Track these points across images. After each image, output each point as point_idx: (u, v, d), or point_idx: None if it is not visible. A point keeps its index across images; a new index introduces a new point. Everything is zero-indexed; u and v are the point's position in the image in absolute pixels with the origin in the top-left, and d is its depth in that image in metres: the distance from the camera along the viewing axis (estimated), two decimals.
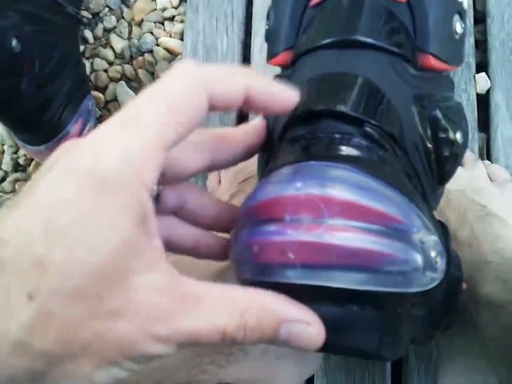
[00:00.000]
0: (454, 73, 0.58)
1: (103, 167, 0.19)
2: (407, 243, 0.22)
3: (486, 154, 0.58)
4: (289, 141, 0.25)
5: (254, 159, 0.51)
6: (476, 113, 0.57)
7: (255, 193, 0.24)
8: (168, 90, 0.20)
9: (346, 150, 0.23)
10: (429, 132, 0.26)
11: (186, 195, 0.26)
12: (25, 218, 0.18)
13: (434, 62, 0.26)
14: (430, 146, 0.26)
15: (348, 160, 0.23)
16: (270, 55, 0.30)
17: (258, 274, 0.23)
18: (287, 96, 0.23)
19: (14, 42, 0.49)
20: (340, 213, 0.21)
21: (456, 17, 0.27)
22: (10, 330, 0.18)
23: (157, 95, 0.20)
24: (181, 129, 0.20)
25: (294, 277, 0.21)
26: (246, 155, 0.26)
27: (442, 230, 0.26)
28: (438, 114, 0.26)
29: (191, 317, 0.19)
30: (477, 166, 0.52)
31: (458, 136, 0.26)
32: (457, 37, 0.28)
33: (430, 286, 0.22)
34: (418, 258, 0.22)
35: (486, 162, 0.55)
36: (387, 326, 0.23)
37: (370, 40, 0.25)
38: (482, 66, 0.60)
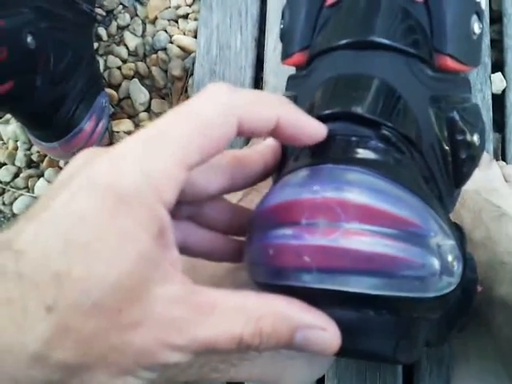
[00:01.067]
0: (469, 73, 0.57)
1: (122, 182, 0.19)
2: (424, 247, 0.21)
3: (501, 154, 0.57)
4: None
5: None
6: (491, 113, 0.57)
7: (271, 195, 0.24)
8: (197, 111, 0.20)
9: (362, 153, 0.23)
10: (446, 134, 0.26)
11: (202, 200, 0.26)
12: (44, 231, 0.18)
13: (451, 64, 0.26)
14: (446, 148, 0.26)
15: (365, 163, 0.22)
16: (285, 55, 0.30)
17: (274, 277, 0.22)
18: (316, 130, 0.23)
19: (30, 39, 0.50)
20: (357, 217, 0.21)
21: (474, 17, 0.27)
22: (27, 343, 0.18)
23: (186, 115, 0.20)
24: (205, 152, 0.20)
25: (310, 281, 0.21)
26: (264, 176, 0.26)
27: (458, 232, 0.26)
28: (456, 115, 0.26)
29: (207, 326, 0.20)
30: (492, 166, 0.51)
31: (476, 138, 0.26)
32: (474, 37, 0.27)
33: (447, 291, 0.22)
34: (435, 263, 0.21)
35: (501, 162, 0.55)
36: (403, 330, 0.23)
37: (386, 41, 0.25)
38: (498, 65, 0.59)
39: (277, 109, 0.22)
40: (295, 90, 0.28)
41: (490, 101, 0.57)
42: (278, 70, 0.61)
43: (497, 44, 0.60)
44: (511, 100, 0.57)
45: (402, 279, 0.21)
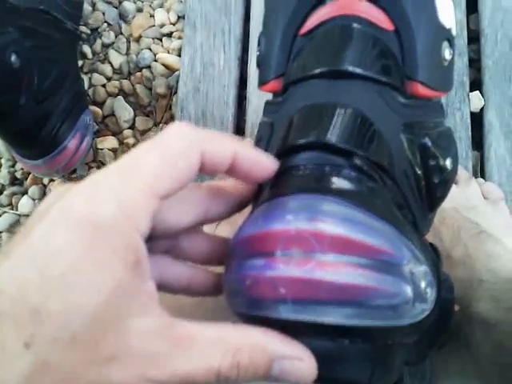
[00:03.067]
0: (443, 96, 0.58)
1: (98, 212, 0.19)
2: (397, 276, 0.22)
3: (480, 171, 0.59)
4: (280, 171, 0.25)
5: None
6: (470, 131, 0.58)
7: (246, 225, 0.24)
8: (165, 144, 0.21)
9: (335, 183, 0.23)
10: (418, 160, 0.26)
11: (177, 233, 0.26)
12: (19, 267, 0.19)
13: (422, 90, 0.27)
14: (419, 173, 0.26)
15: (338, 193, 0.23)
16: (261, 82, 0.30)
17: (251, 307, 0.23)
18: (270, 163, 0.24)
19: (14, 58, 0.50)
20: (331, 247, 0.21)
21: (445, 43, 0.28)
22: (7, 380, 0.18)
23: (155, 148, 0.21)
24: (174, 181, 0.21)
25: (286, 312, 0.21)
26: (239, 207, 0.27)
27: (433, 254, 0.26)
28: (428, 141, 0.26)
29: (186, 359, 0.20)
30: (470, 184, 0.52)
31: (448, 162, 0.27)
32: (445, 63, 0.28)
33: (421, 317, 0.22)
34: (408, 290, 0.22)
35: (480, 180, 0.56)
36: (379, 357, 0.23)
37: (358, 70, 0.25)
38: (476, 84, 0.61)
39: (234, 144, 0.23)
40: (271, 117, 0.28)
41: (469, 119, 0.58)
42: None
43: (475, 63, 0.62)
44: (489, 118, 0.58)
45: (375, 309, 0.21)
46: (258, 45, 0.31)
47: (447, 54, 0.28)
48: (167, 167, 0.21)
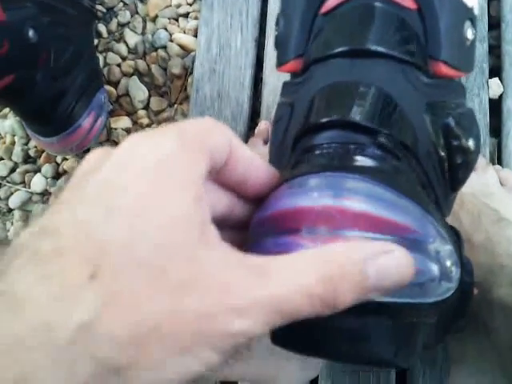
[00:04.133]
0: (467, 77, 0.58)
1: (160, 149, 0.19)
2: (423, 253, 0.22)
3: (497, 158, 0.58)
4: (302, 150, 0.25)
5: (265, 158, 0.51)
6: (488, 118, 0.57)
7: (270, 202, 0.24)
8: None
9: (360, 161, 0.23)
10: (441, 140, 0.26)
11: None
12: (83, 208, 0.18)
13: (445, 70, 0.26)
14: (442, 153, 0.26)
15: (363, 171, 0.22)
16: (280, 62, 0.30)
17: None
18: (270, 168, 0.24)
19: (31, 33, 0.50)
20: (356, 224, 0.21)
21: (467, 23, 0.27)
22: (69, 315, 0.16)
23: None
24: (218, 144, 0.21)
25: None
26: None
27: (455, 236, 0.26)
28: (451, 121, 0.26)
29: (268, 285, 0.18)
30: (488, 170, 0.52)
31: (471, 143, 0.26)
32: (468, 43, 0.28)
33: (446, 296, 0.22)
34: (434, 268, 0.22)
35: (497, 166, 0.55)
36: (403, 335, 0.23)
37: (381, 49, 0.25)
38: (495, 71, 0.60)
39: (230, 136, 0.22)
40: (291, 98, 0.28)
41: (487, 106, 0.58)
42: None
43: (495, 50, 0.61)
44: (508, 105, 0.58)
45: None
46: (276, 25, 0.30)
47: (470, 33, 0.27)
48: (210, 129, 0.21)
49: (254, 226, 0.25)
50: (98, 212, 0.18)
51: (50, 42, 0.53)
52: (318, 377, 0.52)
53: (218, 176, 0.23)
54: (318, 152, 0.24)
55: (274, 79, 0.61)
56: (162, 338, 0.17)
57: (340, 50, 0.25)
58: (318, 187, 0.22)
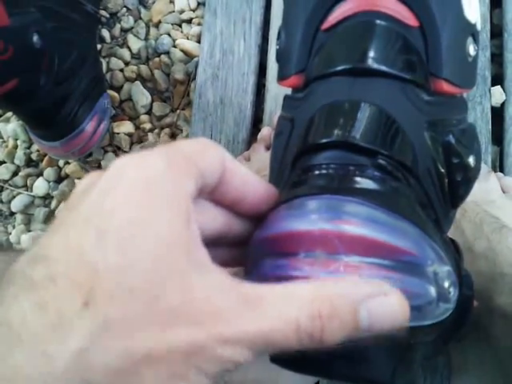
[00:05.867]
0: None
1: (149, 171, 0.19)
2: (421, 277, 0.22)
3: (499, 166, 0.58)
4: (302, 169, 0.25)
5: (264, 166, 0.51)
6: (490, 126, 0.58)
7: (269, 224, 0.24)
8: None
9: (359, 183, 0.23)
10: (442, 157, 0.26)
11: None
12: (74, 231, 0.18)
13: (447, 87, 0.26)
14: (443, 171, 0.26)
15: (362, 193, 0.22)
16: (281, 77, 0.30)
17: None
18: (265, 186, 0.24)
19: (36, 38, 0.50)
20: (354, 249, 0.21)
21: (469, 39, 0.27)
22: (66, 343, 0.17)
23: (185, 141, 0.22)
24: (207, 164, 0.21)
25: None
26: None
27: (455, 252, 0.26)
28: (451, 139, 0.26)
29: (257, 317, 0.18)
30: (489, 178, 0.52)
31: (471, 160, 0.26)
32: (470, 59, 0.27)
33: (444, 317, 0.22)
34: (432, 291, 0.22)
35: (499, 174, 0.55)
36: (400, 356, 0.23)
37: (382, 68, 0.25)
38: (498, 79, 0.60)
39: (223, 155, 0.22)
40: (292, 112, 0.28)
41: (489, 114, 0.58)
42: None
43: (497, 58, 0.61)
44: (510, 113, 0.58)
45: None
46: (278, 38, 0.30)
47: (472, 49, 0.27)
48: (202, 150, 0.21)
49: (252, 246, 0.24)
50: (88, 236, 0.18)
51: (54, 47, 0.54)
52: (318, 382, 0.52)
53: (214, 195, 0.23)
54: (317, 172, 0.24)
55: (277, 86, 0.61)
56: (154, 364, 0.17)
57: (341, 68, 0.25)
58: (316, 210, 0.22)
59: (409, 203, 0.24)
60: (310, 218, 0.22)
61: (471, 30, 0.27)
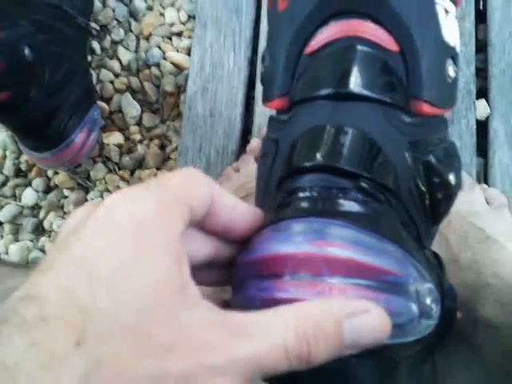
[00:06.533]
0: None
1: (138, 212, 0.20)
2: (404, 295, 0.22)
3: (484, 178, 0.59)
4: (286, 192, 0.25)
5: (253, 177, 0.52)
6: (475, 138, 0.59)
7: (254, 246, 0.24)
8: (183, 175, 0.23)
9: (343, 205, 0.24)
10: (423, 177, 0.26)
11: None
12: (65, 273, 0.19)
13: (427, 109, 0.27)
14: (424, 189, 0.26)
15: (345, 216, 0.23)
16: (266, 99, 0.30)
17: None
18: (254, 212, 0.25)
19: (27, 51, 0.50)
20: (338, 271, 0.21)
21: (449, 61, 0.28)
22: (60, 382, 0.17)
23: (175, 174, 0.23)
24: (195, 200, 0.22)
25: None
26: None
27: (437, 266, 0.27)
28: (432, 158, 0.26)
29: (245, 343, 0.19)
30: (474, 190, 0.53)
31: (451, 178, 0.27)
32: (450, 80, 0.28)
33: (426, 333, 0.23)
34: (414, 309, 0.22)
35: (484, 185, 0.57)
36: (386, 372, 0.24)
37: (363, 92, 0.25)
38: (483, 93, 0.61)
39: (212, 187, 0.23)
40: (276, 134, 0.28)
41: (474, 127, 0.59)
42: None
43: (482, 72, 0.62)
44: (494, 126, 0.59)
45: None
46: (263, 61, 0.31)
47: (451, 71, 0.28)
48: (190, 185, 0.22)
49: (238, 268, 0.25)
50: (80, 278, 0.18)
51: (45, 60, 0.54)
52: None
53: (203, 224, 0.23)
54: (301, 195, 0.24)
55: None
56: None
57: (324, 92, 0.26)
58: (301, 233, 0.22)
59: (391, 224, 0.24)
60: (295, 241, 0.22)
61: (450, 53, 0.28)
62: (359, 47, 0.26)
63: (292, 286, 0.22)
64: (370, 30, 0.26)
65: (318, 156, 0.24)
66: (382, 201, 0.24)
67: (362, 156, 0.25)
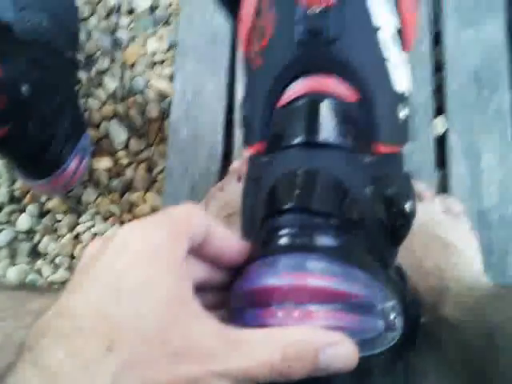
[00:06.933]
0: (415, 116, 0.65)
1: (151, 240, 0.25)
2: (371, 314, 0.27)
3: (443, 188, 0.65)
4: (269, 229, 0.29)
5: (236, 196, 0.56)
6: (434, 153, 0.65)
7: (246, 279, 0.29)
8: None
9: (317, 240, 0.28)
10: (383, 209, 0.31)
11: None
12: (93, 291, 0.23)
13: (383, 149, 0.31)
14: (384, 220, 0.31)
15: (320, 250, 0.27)
16: (247, 143, 0.35)
17: None
18: (240, 245, 0.29)
19: (24, 88, 0.55)
20: (315, 298, 0.26)
21: (399, 106, 0.33)
22: (94, 381, 0.21)
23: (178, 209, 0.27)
24: (197, 229, 0.27)
25: None
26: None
27: (399, 282, 0.32)
28: (389, 191, 0.31)
29: (240, 357, 0.23)
30: (434, 201, 0.58)
31: (408, 206, 0.31)
32: (401, 122, 0.33)
33: (391, 344, 0.27)
34: (380, 324, 0.27)
35: (443, 196, 0.62)
36: (358, 380, 0.28)
37: (329, 141, 0.30)
38: (440, 110, 0.68)
39: (207, 219, 0.27)
40: (257, 174, 0.33)
41: (432, 142, 0.65)
42: None
43: (440, 89, 0.68)
44: (451, 141, 0.65)
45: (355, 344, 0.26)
46: (243, 107, 0.35)
47: (402, 114, 0.33)
48: (190, 218, 0.27)
49: (233, 298, 0.30)
50: (106, 295, 0.23)
51: (40, 94, 0.58)
52: None
53: (198, 251, 0.28)
54: (282, 232, 0.29)
55: None
56: None
57: (295, 142, 0.31)
58: (284, 267, 0.27)
59: (359, 253, 0.29)
60: (280, 275, 0.27)
61: (400, 99, 0.33)
62: (324, 101, 0.31)
63: (279, 313, 0.26)
64: (334, 84, 0.31)
65: (295, 199, 0.29)
66: (350, 232, 0.29)
67: (332, 197, 0.29)
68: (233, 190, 0.61)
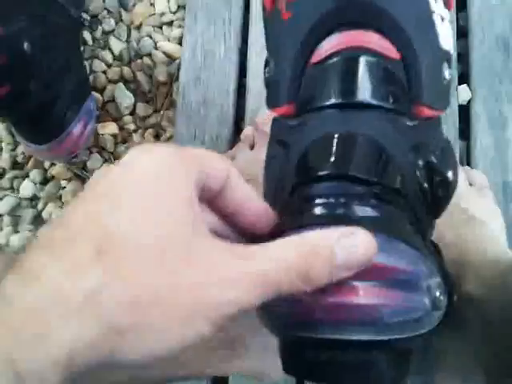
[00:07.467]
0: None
1: (160, 160, 0.23)
2: (418, 291, 0.25)
3: (467, 159, 0.62)
4: (303, 198, 0.27)
5: (250, 164, 0.54)
6: (458, 122, 0.62)
7: None
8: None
9: (358, 211, 0.26)
10: (425, 177, 0.28)
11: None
12: (92, 204, 0.21)
13: (427, 112, 0.29)
14: (427, 188, 0.28)
15: (361, 221, 0.25)
16: (272, 105, 0.32)
17: (293, 329, 0.26)
18: (265, 206, 0.27)
19: (26, 45, 0.52)
20: (358, 275, 0.23)
21: (445, 65, 0.30)
22: (78, 286, 0.19)
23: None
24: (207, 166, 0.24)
25: (325, 332, 0.24)
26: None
27: (437, 256, 0.29)
28: (433, 159, 0.28)
29: (254, 263, 0.21)
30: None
31: (450, 175, 0.29)
32: (445, 82, 0.30)
33: (437, 323, 0.26)
34: (427, 303, 0.25)
35: (466, 167, 0.60)
36: (401, 361, 0.27)
37: (369, 101, 0.27)
38: (464, 78, 0.64)
39: (228, 165, 0.25)
40: (285, 137, 0.30)
41: (457, 111, 0.62)
42: (260, 77, 0.64)
43: (463, 57, 0.65)
44: (476, 110, 0.62)
45: (402, 324, 0.24)
46: (265, 67, 0.32)
47: (447, 74, 0.30)
48: (209, 156, 0.25)
49: None
50: (104, 206, 0.21)
51: (43, 53, 0.55)
52: None
53: (214, 202, 0.26)
54: (318, 201, 0.26)
55: (257, 85, 0.64)
56: (161, 307, 0.20)
57: (331, 102, 0.28)
58: None
59: (402, 224, 0.27)
60: None
61: (446, 57, 0.30)
62: (363, 57, 0.27)
63: (319, 292, 0.24)
64: (373, 40, 0.28)
65: (333, 165, 0.26)
66: (392, 202, 0.27)
67: (373, 163, 0.27)
68: (245, 158, 0.58)
